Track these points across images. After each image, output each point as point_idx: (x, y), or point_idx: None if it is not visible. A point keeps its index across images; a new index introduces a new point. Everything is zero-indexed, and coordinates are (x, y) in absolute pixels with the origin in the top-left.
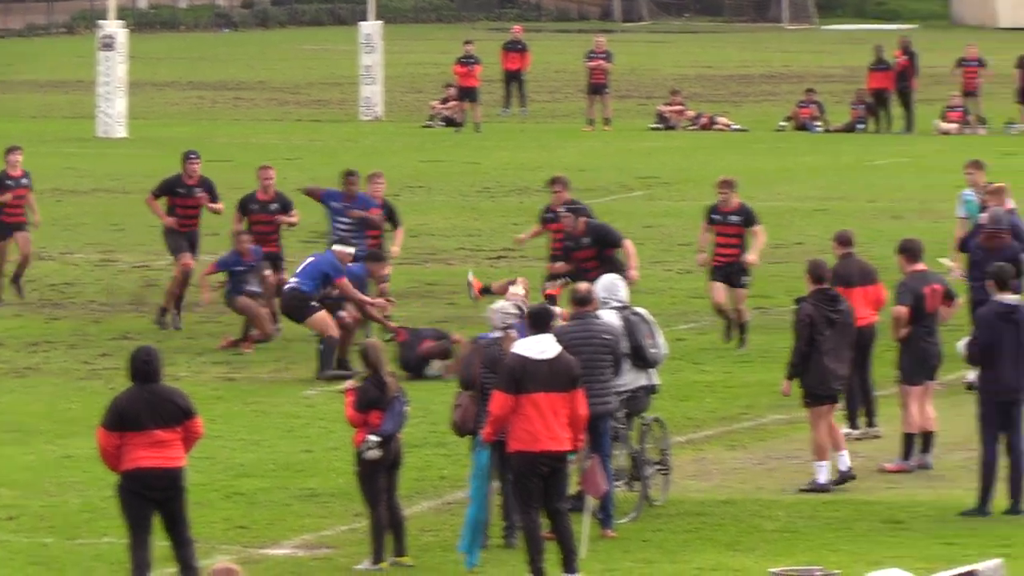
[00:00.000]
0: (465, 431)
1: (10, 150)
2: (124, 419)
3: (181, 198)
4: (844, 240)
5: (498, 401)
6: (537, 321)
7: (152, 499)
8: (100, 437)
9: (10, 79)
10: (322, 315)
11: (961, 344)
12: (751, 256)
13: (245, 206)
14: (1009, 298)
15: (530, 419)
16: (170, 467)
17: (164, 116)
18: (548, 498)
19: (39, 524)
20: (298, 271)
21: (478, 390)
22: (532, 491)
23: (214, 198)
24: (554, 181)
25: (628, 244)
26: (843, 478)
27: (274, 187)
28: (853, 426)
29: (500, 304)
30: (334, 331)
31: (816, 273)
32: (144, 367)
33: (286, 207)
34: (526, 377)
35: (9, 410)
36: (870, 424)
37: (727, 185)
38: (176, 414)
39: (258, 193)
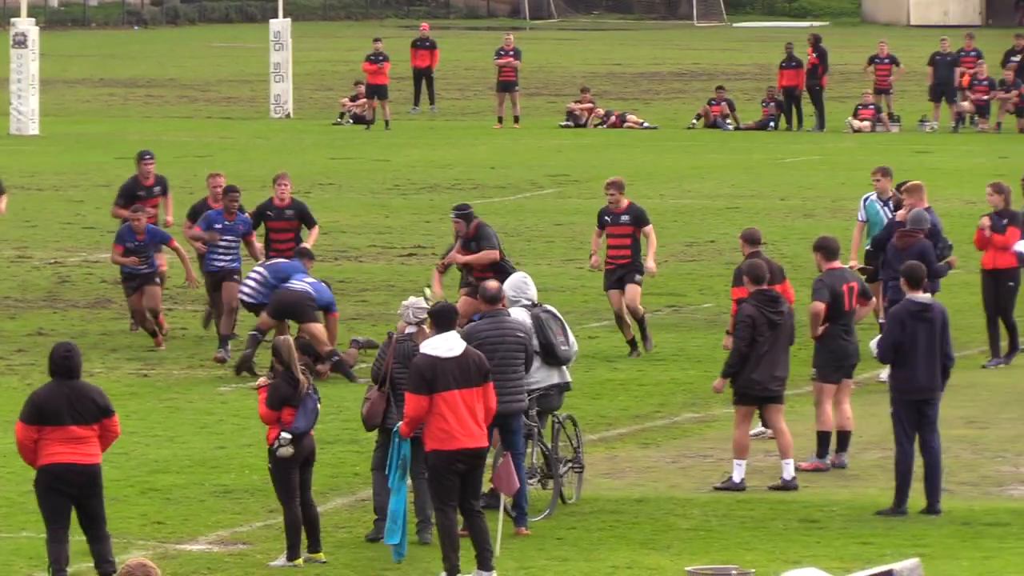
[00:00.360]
0: (372, 425)
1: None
2: (43, 414)
3: (143, 200)
4: (752, 239)
5: (411, 403)
6: (441, 319)
7: (68, 495)
8: (18, 431)
9: None
10: (321, 328)
11: (873, 343)
12: (650, 264)
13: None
14: (921, 297)
15: (444, 417)
16: (87, 463)
17: (76, 113)
18: (464, 496)
19: None
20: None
21: (389, 385)
22: (449, 489)
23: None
24: (609, 184)
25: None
26: (785, 486)
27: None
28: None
29: (412, 300)
30: (327, 346)
31: (755, 274)
32: (64, 363)
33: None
34: (437, 376)
35: None
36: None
37: (615, 186)
38: (94, 412)
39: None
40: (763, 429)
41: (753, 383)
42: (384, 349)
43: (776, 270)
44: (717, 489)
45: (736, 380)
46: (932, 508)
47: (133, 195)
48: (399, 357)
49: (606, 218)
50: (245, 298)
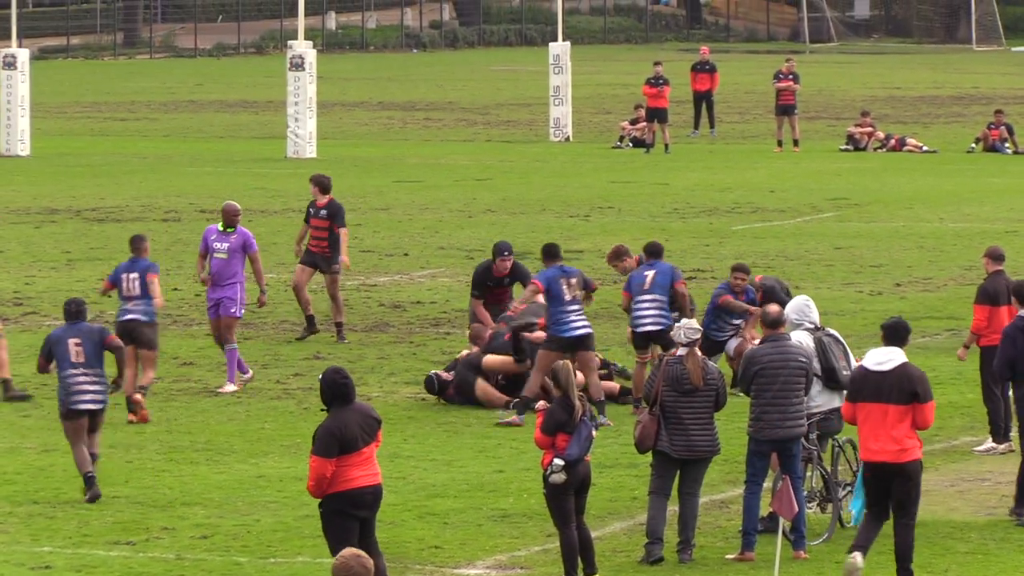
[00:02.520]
0: (644, 448)
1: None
2: (344, 445)
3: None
4: (996, 256)
5: (846, 411)
6: (891, 333)
7: (358, 517)
8: (318, 467)
9: (200, 99)
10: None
11: None
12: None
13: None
14: None
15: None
16: (377, 483)
17: (354, 136)
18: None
19: (232, 543)
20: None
21: (660, 407)
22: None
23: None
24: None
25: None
26: None
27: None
28: (998, 440)
29: (685, 322)
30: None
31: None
32: (344, 388)
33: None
34: (862, 387)
35: (202, 429)
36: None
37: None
38: (375, 428)
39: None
40: (994, 445)
41: None
42: (655, 371)
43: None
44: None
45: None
46: None
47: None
48: (669, 380)
49: (311, 209)
50: (652, 326)
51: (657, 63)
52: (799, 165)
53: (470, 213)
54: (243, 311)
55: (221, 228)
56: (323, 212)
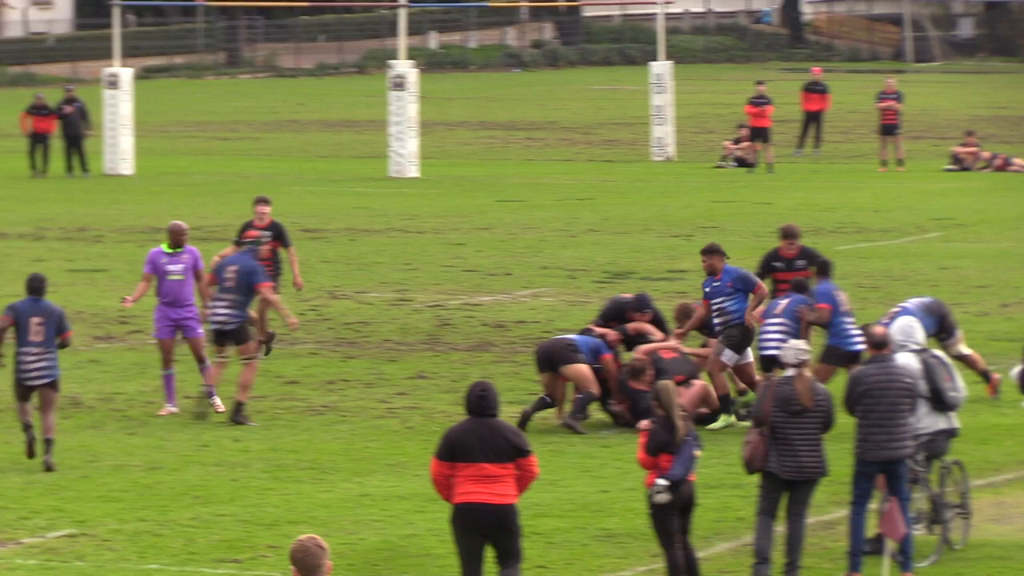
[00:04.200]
0: (753, 469)
1: (258, 200)
2: (455, 450)
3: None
4: None
5: None
6: None
7: (481, 533)
8: (432, 466)
9: (302, 118)
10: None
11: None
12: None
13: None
14: None
15: None
16: (499, 503)
17: (456, 156)
18: None
19: (338, 562)
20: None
21: (768, 428)
22: None
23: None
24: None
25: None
26: None
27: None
28: None
29: (793, 343)
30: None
31: None
32: (479, 401)
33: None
34: None
35: (306, 448)
36: None
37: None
38: (508, 450)
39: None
40: None
41: None
42: (764, 392)
43: None
44: None
45: None
46: None
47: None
48: (777, 401)
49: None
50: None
51: (760, 82)
52: (903, 185)
53: (572, 233)
54: None
55: (168, 249)
56: (268, 234)
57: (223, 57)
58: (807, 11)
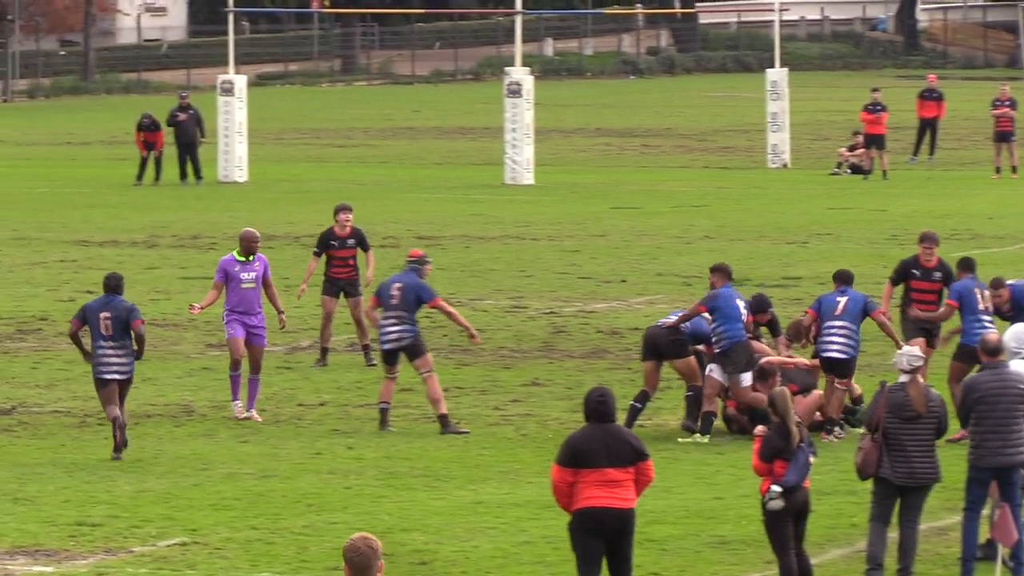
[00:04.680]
0: (866, 475)
1: (340, 208)
2: (579, 456)
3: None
4: None
5: None
6: None
7: (602, 537)
8: (554, 473)
9: (417, 125)
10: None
11: None
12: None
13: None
14: None
15: None
16: (622, 508)
17: (571, 163)
18: None
19: (451, 569)
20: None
21: (881, 434)
22: None
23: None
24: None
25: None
26: None
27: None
28: None
29: (907, 349)
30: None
31: None
32: (599, 407)
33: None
34: None
35: (421, 455)
36: None
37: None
38: (629, 455)
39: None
40: None
41: None
42: (877, 398)
43: None
44: None
45: None
46: None
47: (326, 243)
48: (891, 407)
49: (334, 242)
50: (838, 354)
51: (875, 89)
52: (1018, 192)
53: (688, 239)
54: None
55: (239, 256)
56: (349, 242)
57: (338, 64)
58: (922, 18)
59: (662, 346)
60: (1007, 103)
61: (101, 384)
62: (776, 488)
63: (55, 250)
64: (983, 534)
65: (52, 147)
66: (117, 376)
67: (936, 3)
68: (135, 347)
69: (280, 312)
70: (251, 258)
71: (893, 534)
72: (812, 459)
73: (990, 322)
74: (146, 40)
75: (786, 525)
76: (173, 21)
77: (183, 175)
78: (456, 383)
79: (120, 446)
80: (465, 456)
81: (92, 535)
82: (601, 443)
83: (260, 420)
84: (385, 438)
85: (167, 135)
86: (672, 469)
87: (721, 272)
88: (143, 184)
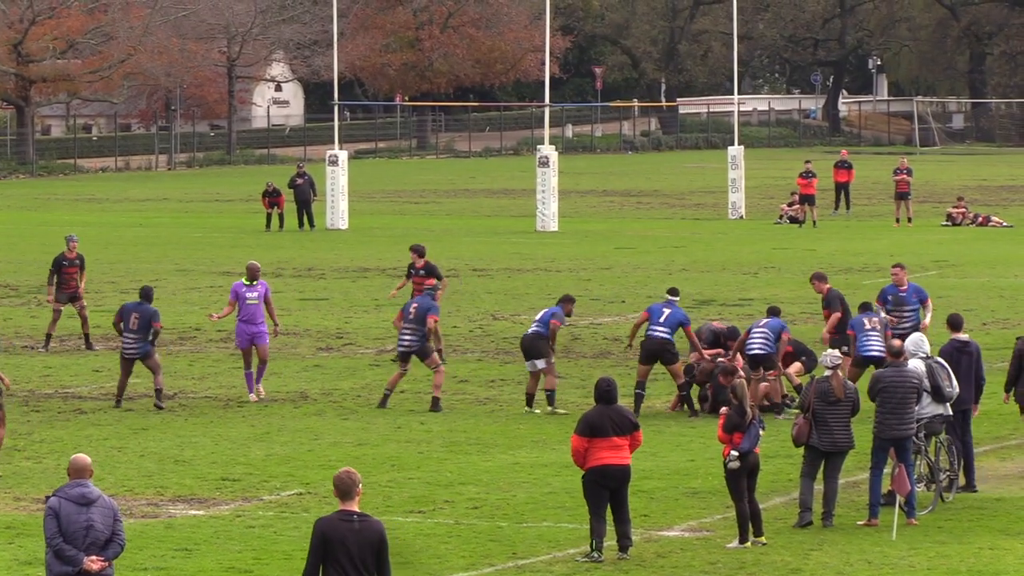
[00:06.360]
0: (799, 443)
1: (413, 249)
2: (593, 428)
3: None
4: None
5: None
6: None
7: (608, 487)
8: (574, 441)
9: (471, 187)
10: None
11: None
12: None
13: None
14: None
15: None
16: (623, 464)
17: (586, 215)
18: None
19: (496, 512)
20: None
21: (811, 413)
22: None
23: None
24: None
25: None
26: None
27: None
28: None
29: (830, 351)
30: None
31: None
32: (607, 392)
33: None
34: None
35: (472, 429)
36: None
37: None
38: (628, 426)
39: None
40: None
41: None
42: (808, 387)
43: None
44: None
45: None
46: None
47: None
48: (818, 393)
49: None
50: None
51: (807, 161)
52: (912, 236)
53: (670, 271)
54: None
55: (247, 282)
56: (422, 271)
57: (415, 143)
58: (843, 109)
59: (662, 355)
60: (905, 171)
61: (123, 360)
62: (735, 453)
63: (206, 279)
64: (885, 486)
65: (204, 203)
66: (134, 355)
67: (853, 98)
68: (150, 338)
69: (276, 324)
70: (255, 282)
71: (819, 487)
72: (761, 432)
73: (877, 338)
74: (274, 125)
75: (742, 480)
76: (293, 111)
77: (300, 224)
78: (501, 376)
79: (159, 398)
80: (506, 430)
81: (232, 487)
82: (608, 419)
83: (264, 394)
84: (447, 416)
85: (288, 195)
86: (658, 438)
87: (671, 292)
88: (271, 231)
